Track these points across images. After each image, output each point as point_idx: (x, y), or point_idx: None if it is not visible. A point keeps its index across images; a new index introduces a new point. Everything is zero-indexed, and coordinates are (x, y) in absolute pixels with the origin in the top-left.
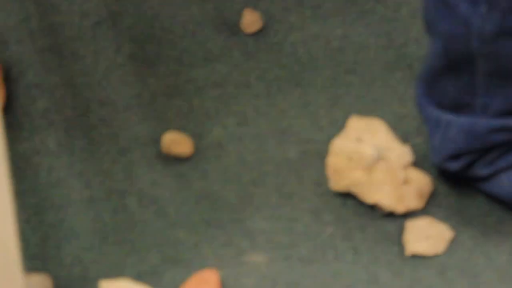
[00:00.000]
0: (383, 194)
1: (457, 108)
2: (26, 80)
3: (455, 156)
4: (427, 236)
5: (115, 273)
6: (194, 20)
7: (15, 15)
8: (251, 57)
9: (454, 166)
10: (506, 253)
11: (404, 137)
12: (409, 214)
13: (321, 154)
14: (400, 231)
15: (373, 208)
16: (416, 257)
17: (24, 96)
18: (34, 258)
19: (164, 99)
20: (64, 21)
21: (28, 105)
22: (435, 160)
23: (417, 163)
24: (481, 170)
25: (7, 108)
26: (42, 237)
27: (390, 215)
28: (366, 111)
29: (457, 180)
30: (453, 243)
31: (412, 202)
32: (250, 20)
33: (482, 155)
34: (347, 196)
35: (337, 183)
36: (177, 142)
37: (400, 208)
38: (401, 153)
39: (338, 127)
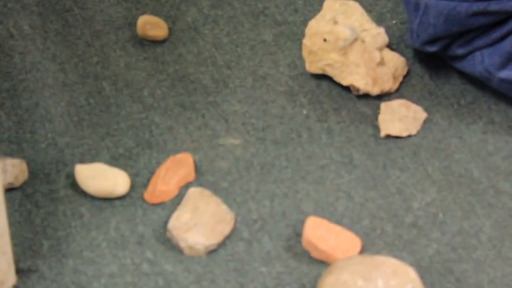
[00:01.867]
0: (358, 75)
1: None
2: None
3: (433, 40)
4: (401, 117)
5: (90, 156)
6: None
7: None
8: None
9: (432, 48)
10: (479, 133)
11: (379, 19)
12: (384, 96)
13: (296, 36)
14: (375, 112)
15: (348, 90)
16: (390, 138)
17: None
18: (9, 142)
19: None
20: None
21: None
22: (414, 43)
23: (392, 45)
24: (458, 50)
25: None
26: (17, 121)
27: (365, 96)
28: None
29: (431, 62)
30: (426, 124)
31: (387, 83)
32: None
33: (460, 36)
34: (322, 78)
35: (313, 64)
36: (152, 25)
37: (375, 90)
38: (376, 34)
39: (313, 9)
